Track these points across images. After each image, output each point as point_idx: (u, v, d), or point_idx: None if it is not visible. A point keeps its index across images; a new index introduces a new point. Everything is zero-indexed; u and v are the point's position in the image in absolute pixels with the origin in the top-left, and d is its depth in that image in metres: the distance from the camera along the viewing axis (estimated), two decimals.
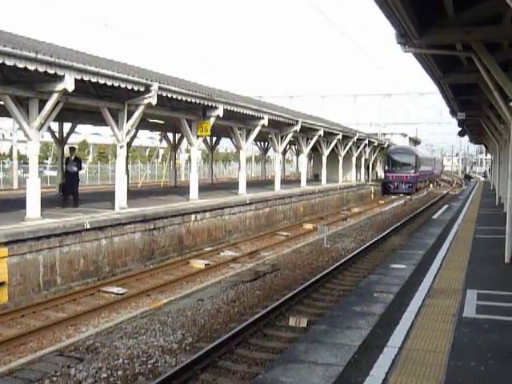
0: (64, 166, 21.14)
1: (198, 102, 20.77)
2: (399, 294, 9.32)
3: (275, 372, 6.02)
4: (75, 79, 14.81)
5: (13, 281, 13.12)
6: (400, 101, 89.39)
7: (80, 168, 20.45)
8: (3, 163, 56.17)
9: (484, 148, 75.12)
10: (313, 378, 5.84)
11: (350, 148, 44.87)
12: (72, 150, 21.02)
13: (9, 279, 13.01)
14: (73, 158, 20.19)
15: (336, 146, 41.35)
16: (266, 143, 46.92)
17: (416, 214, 32.66)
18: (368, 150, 51.42)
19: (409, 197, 49.64)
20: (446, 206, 29.46)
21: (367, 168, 53.36)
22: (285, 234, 25.82)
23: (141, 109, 18.39)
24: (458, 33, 11.66)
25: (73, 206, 19.32)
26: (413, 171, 54.54)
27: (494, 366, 6.02)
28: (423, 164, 60.33)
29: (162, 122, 29.21)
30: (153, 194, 27.24)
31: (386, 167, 56.17)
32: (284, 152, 51.71)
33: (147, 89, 17.73)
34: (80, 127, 40.89)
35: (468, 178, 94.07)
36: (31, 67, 13.43)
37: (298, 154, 57.03)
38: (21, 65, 13.16)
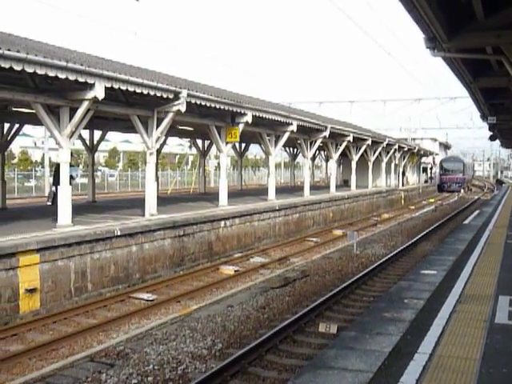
0: (54, 173, 18.64)
1: (226, 108, 20.83)
2: (430, 299, 9.22)
3: (305, 378, 5.99)
4: (105, 87, 14.94)
5: (45, 287, 13.25)
6: (430, 105, 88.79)
7: (73, 176, 17.85)
8: (35, 171, 56.89)
9: None
10: None
11: (380, 153, 44.58)
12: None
13: (41, 285, 13.15)
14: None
15: (365, 151, 41.15)
16: (295, 149, 46.86)
17: (447, 220, 32.39)
18: (398, 155, 51.09)
19: (440, 202, 49.65)
20: (477, 212, 29.15)
21: (398, 173, 53.01)
22: (314, 239, 25.75)
23: (170, 116, 18.48)
24: (487, 36, 11.56)
25: None
26: (461, 174, 71.95)
27: None
28: (467, 169, 77.42)
29: (191, 128, 29.32)
30: (182, 200, 27.36)
31: (441, 172, 73.26)
32: (313, 158, 51.61)
33: (176, 96, 17.83)
34: (110, 134, 41.26)
35: (500, 182, 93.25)
36: (62, 76, 13.58)
37: (327, 160, 56.90)
38: (52, 73, 13.31)
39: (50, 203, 17.73)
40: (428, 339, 7.01)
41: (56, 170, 18.05)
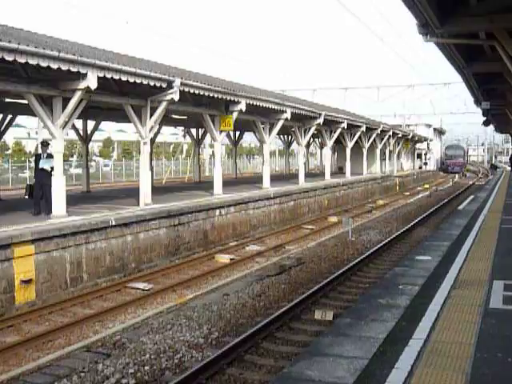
0: (34, 164, 17.52)
1: (220, 96, 20.78)
2: (424, 285, 9.23)
3: (300, 365, 6.00)
4: (98, 77, 14.88)
5: (40, 278, 13.25)
6: (424, 91, 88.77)
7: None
8: (29, 162, 56.66)
9: (510, 137, 74.82)
10: (338, 371, 5.82)
11: (374, 140, 44.57)
12: (44, 144, 16.99)
13: (36, 276, 13.14)
14: (45, 154, 16.56)
15: (360, 138, 41.13)
16: (290, 137, 46.82)
17: (441, 205, 32.45)
18: (392, 141, 51.06)
19: (434, 187, 49.85)
20: (471, 197, 29.15)
21: (390, 159, 52.99)
22: (309, 227, 25.78)
23: (163, 105, 18.44)
24: (480, 21, 11.54)
25: (45, 212, 16.11)
26: (462, 159, 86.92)
27: None
28: (466, 154, 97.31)
29: (184, 117, 29.27)
30: (177, 189, 27.34)
31: (445, 157, 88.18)
32: (307, 145, 51.56)
33: (169, 85, 17.77)
34: (104, 124, 41.20)
35: (494, 167, 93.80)
36: (54, 66, 13.52)
37: (321, 147, 56.88)
38: (44, 64, 13.26)
39: (27, 196, 17.07)
40: (423, 325, 7.02)
41: (36, 161, 17.14)
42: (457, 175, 71.63)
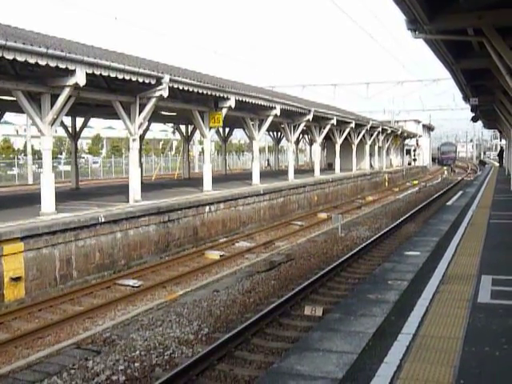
0: None
1: (209, 93, 20.77)
2: (413, 280, 9.28)
3: (290, 360, 6.03)
4: (86, 73, 14.85)
5: (29, 275, 13.21)
6: (413, 88, 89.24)
7: None
8: (18, 159, 56.46)
9: (498, 133, 75.26)
10: (327, 365, 5.85)
11: (364, 136, 44.68)
12: None
13: (25, 274, 13.11)
14: None
15: (349, 134, 41.21)
16: (279, 133, 46.81)
17: (430, 201, 32.52)
18: (381, 137, 51.17)
19: (423, 183, 50.11)
20: (460, 193, 29.26)
21: (379, 156, 53.16)
22: (299, 223, 25.82)
23: (152, 101, 18.41)
24: (468, 17, 11.58)
25: None
26: (454, 154, 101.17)
27: (508, 351, 5.99)
28: (457, 150, 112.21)
29: (174, 114, 29.23)
30: (167, 186, 27.31)
31: (440, 152, 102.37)
32: (297, 142, 51.57)
33: (158, 81, 17.75)
34: (93, 121, 41.00)
35: (482, 163, 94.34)
36: (42, 62, 13.47)
37: (311, 144, 56.94)
38: (32, 60, 13.21)
39: None
40: (411, 320, 7.06)
41: None
42: (446, 172, 72.54)
